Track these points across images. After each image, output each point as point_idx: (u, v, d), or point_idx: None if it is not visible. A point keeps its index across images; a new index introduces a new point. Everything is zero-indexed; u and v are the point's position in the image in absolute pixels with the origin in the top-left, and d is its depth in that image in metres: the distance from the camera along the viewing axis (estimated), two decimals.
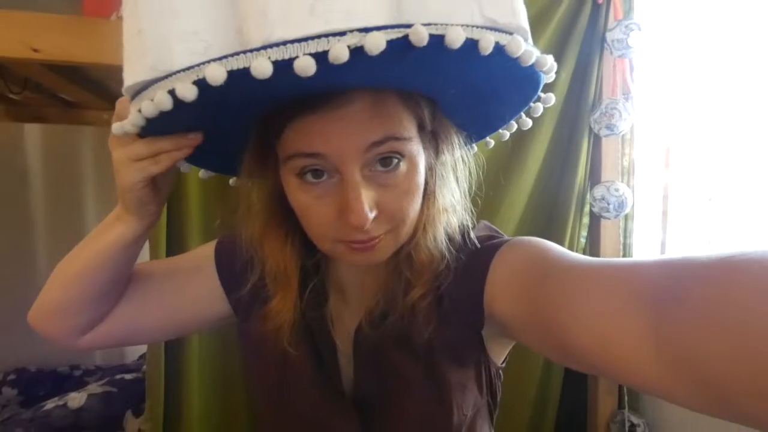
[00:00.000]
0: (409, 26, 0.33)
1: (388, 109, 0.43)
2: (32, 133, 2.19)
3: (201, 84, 0.33)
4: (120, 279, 0.56)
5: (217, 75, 0.32)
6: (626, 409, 1.28)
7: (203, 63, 0.34)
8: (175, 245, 1.06)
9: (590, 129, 1.28)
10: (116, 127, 0.42)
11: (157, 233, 1.05)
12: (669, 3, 1.29)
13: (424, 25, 0.33)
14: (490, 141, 0.60)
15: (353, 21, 0.33)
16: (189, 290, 0.62)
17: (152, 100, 0.36)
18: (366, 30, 0.32)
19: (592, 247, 1.33)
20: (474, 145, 0.59)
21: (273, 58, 0.32)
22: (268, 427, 0.64)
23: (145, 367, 1.91)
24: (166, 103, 0.35)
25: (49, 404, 1.57)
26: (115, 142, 0.46)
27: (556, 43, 1.25)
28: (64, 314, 0.56)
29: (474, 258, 0.53)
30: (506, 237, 0.55)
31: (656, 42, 1.30)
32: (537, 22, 1.23)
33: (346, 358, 0.57)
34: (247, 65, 0.32)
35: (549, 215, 1.30)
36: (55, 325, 0.57)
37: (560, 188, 1.29)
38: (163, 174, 0.47)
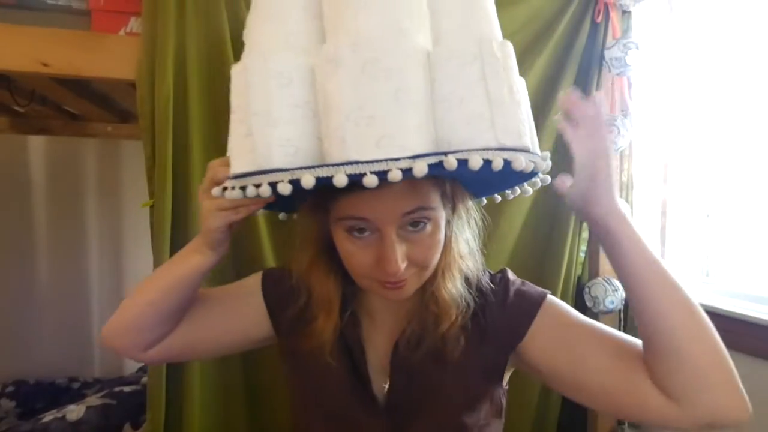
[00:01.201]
0: (444, 154, 0.49)
1: (420, 187, 0.56)
2: (36, 145, 2.20)
3: (295, 183, 0.49)
4: (187, 302, 0.68)
5: (309, 182, 0.49)
6: (626, 424, 1.28)
7: (296, 169, 0.50)
8: None
9: None
10: (216, 191, 0.57)
11: (161, 258, 1.04)
12: (666, 22, 1.31)
13: (453, 152, 0.50)
14: (497, 197, 0.72)
15: (405, 152, 0.49)
16: (238, 313, 0.73)
17: (257, 187, 0.51)
18: (414, 157, 0.49)
19: (591, 261, 1.34)
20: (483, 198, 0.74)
21: (348, 172, 0.48)
22: (304, 429, 0.73)
23: (144, 378, 1.91)
24: (267, 192, 0.50)
25: (48, 416, 1.57)
26: (206, 196, 0.60)
27: (556, 61, 1.27)
28: (137, 331, 0.66)
29: (520, 299, 0.66)
30: (537, 287, 0.69)
31: (654, 60, 1.32)
32: (537, 40, 1.25)
33: (376, 370, 0.68)
34: (330, 175, 0.49)
35: (549, 229, 1.31)
36: (127, 340, 0.67)
37: (560, 202, 1.30)
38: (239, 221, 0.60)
